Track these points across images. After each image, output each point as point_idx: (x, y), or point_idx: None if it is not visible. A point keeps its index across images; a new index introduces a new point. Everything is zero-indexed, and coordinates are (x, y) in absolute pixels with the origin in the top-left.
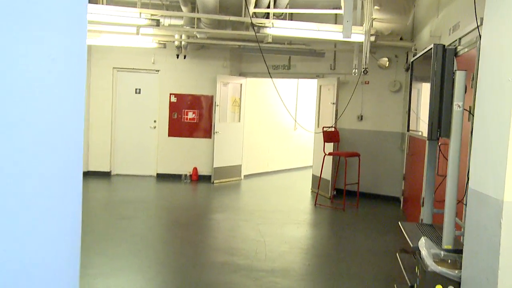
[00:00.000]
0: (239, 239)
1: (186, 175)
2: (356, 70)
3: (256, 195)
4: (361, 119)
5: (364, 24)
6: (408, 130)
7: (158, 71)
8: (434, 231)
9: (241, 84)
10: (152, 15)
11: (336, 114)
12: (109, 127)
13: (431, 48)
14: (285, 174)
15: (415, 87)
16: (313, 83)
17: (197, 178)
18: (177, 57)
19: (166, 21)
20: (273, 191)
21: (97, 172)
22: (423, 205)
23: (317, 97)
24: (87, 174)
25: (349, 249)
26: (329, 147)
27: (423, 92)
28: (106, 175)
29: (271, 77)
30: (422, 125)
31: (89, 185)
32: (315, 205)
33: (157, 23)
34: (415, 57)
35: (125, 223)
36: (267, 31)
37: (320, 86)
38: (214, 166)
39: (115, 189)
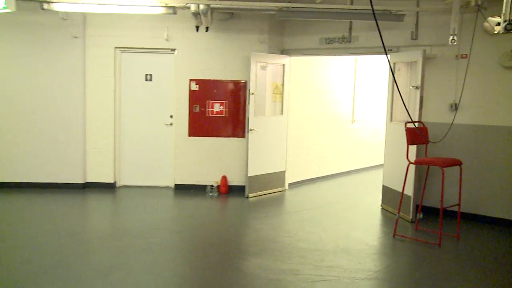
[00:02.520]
0: None
1: (212, 186)
2: (455, 38)
3: (305, 217)
4: (456, 108)
5: None
6: None
7: (173, 50)
8: None
9: (283, 65)
10: None
11: (421, 102)
12: (112, 125)
13: None
14: (342, 179)
15: None
16: (378, 60)
17: (227, 190)
18: (197, 30)
19: None
20: (329, 209)
21: (98, 184)
22: None
23: (389, 80)
24: (85, 187)
25: None
26: (412, 149)
27: None
28: (109, 187)
29: (323, 55)
30: None
31: (86, 201)
32: (394, 235)
33: None
34: None
35: (115, 278)
36: None
37: (395, 64)
38: (249, 174)
39: (119, 208)
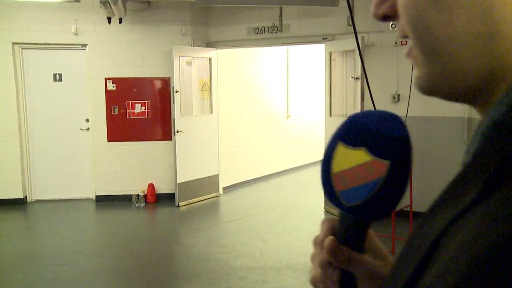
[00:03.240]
0: None
1: (138, 196)
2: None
3: (242, 227)
4: (398, 99)
5: None
6: None
7: (84, 45)
8: None
9: (210, 59)
10: None
11: (363, 95)
12: (17, 133)
13: None
14: (280, 179)
15: None
16: (312, 50)
17: (155, 199)
18: (109, 22)
19: None
20: (268, 215)
21: (4, 201)
22: None
23: (326, 71)
24: None
25: None
26: None
27: None
28: (18, 203)
29: (252, 46)
30: None
31: None
32: None
33: None
34: None
35: None
36: None
37: (330, 54)
38: (179, 180)
39: (29, 229)
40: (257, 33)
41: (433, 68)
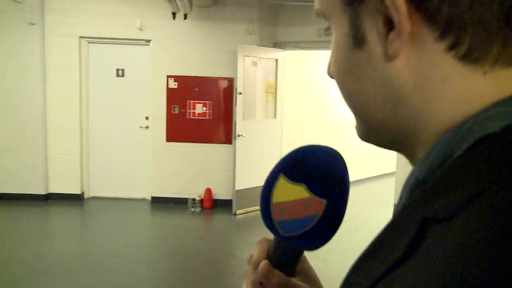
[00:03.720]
0: None
1: (194, 200)
2: None
3: None
4: None
5: None
6: None
7: (148, 41)
8: None
9: (276, 60)
10: None
11: None
12: (78, 128)
13: None
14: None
15: None
16: None
17: (211, 205)
18: (174, 17)
19: None
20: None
21: (62, 195)
22: None
23: None
24: (48, 198)
25: None
26: None
27: None
28: (75, 199)
29: (322, 48)
30: None
31: (49, 217)
32: None
33: None
34: None
35: None
36: None
37: None
38: (237, 187)
39: (82, 227)
40: (327, 34)
41: (361, 124)
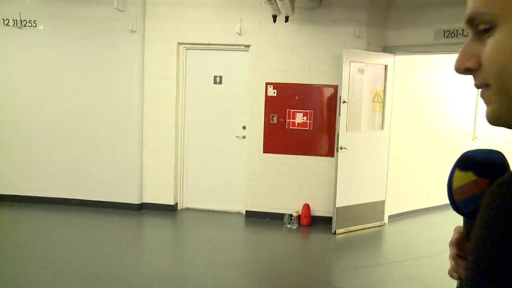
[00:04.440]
0: None
1: (291, 216)
2: None
3: (411, 272)
4: None
5: None
6: None
7: (247, 46)
8: None
9: (385, 66)
10: None
11: None
12: (174, 136)
13: None
14: None
15: None
16: None
17: (309, 222)
18: (274, 21)
19: None
20: (444, 258)
21: (155, 205)
22: None
23: None
24: (141, 208)
25: None
26: None
27: None
28: (169, 209)
29: (441, 52)
30: None
31: (141, 227)
32: None
33: None
34: None
35: None
36: None
37: None
38: (338, 204)
39: (175, 240)
40: (447, 36)
41: (503, 106)
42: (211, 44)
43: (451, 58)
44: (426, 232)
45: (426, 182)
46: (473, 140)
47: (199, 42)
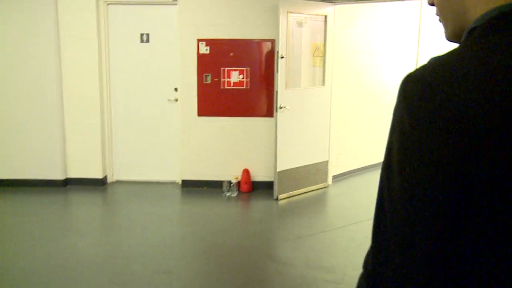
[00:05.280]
0: None
1: (230, 182)
2: None
3: (358, 237)
4: None
5: None
6: None
7: (176, 0)
8: None
9: (325, 17)
10: None
11: None
12: (98, 103)
13: None
14: None
15: None
16: None
17: (250, 189)
18: None
19: None
20: None
21: (83, 180)
22: None
23: None
24: (66, 184)
25: None
26: None
27: None
28: (98, 184)
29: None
30: None
31: (67, 205)
32: None
33: None
34: None
35: None
36: None
37: None
38: (279, 168)
39: (107, 215)
40: None
41: (447, 28)
42: None
43: (389, 7)
44: (370, 192)
45: (369, 139)
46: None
47: None
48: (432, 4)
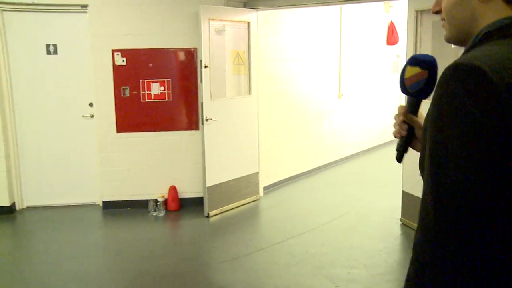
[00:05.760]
0: None
1: (157, 201)
2: None
3: (297, 253)
4: None
5: None
6: None
7: (85, 6)
8: None
9: (248, 24)
10: None
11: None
12: (0, 125)
13: None
14: (333, 172)
15: None
16: (374, 10)
17: (178, 207)
18: None
19: None
20: (330, 231)
21: None
22: None
23: (410, 37)
24: None
25: None
26: None
27: None
28: (5, 211)
29: (307, 5)
30: None
31: None
32: None
33: None
34: None
35: None
36: None
37: (417, 13)
38: (208, 183)
39: (17, 245)
40: None
41: (451, 31)
42: (36, 5)
43: (310, 13)
44: (303, 201)
45: (298, 147)
46: (339, 98)
47: (17, 1)
48: (436, 13)
